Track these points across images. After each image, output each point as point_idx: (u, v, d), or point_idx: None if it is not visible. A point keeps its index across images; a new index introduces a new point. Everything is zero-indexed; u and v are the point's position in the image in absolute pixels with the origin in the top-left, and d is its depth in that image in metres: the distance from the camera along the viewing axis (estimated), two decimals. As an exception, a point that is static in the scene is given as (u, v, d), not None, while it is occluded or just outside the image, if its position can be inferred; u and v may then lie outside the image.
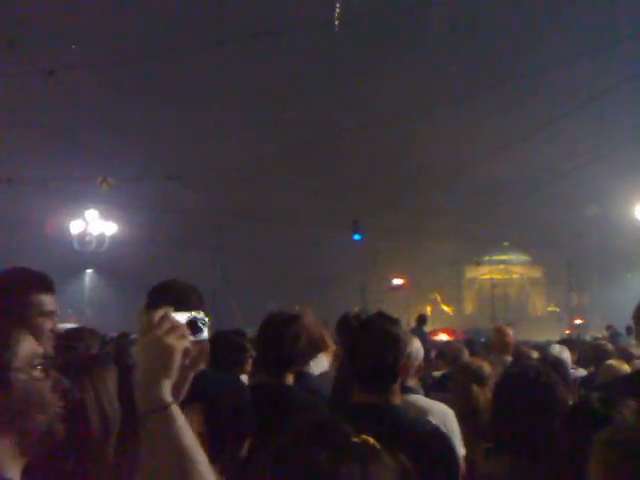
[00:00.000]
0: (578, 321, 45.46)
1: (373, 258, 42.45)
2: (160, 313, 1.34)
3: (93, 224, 28.40)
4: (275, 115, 45.64)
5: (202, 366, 1.52)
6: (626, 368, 4.43)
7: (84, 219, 28.47)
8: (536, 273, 65.35)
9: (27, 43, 24.15)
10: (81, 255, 30.62)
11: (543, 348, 6.11)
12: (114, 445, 1.86)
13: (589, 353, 5.71)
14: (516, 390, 2.39)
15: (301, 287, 43.28)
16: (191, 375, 1.39)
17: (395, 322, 2.47)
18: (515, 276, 64.97)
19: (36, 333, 1.82)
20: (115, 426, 1.88)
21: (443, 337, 22.54)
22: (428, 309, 58.82)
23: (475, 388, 3.33)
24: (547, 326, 46.50)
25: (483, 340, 11.49)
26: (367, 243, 32.72)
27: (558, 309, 57.23)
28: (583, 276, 51.39)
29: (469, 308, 64.55)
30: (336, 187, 47.65)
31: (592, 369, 5.41)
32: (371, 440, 1.18)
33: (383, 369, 2.34)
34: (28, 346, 1.46)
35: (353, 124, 42.97)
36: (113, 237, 29.48)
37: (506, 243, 60.99)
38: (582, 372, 5.19)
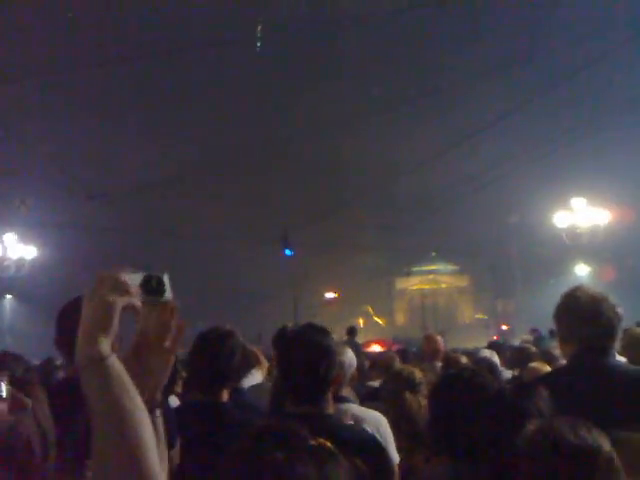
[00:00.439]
0: (504, 327, 46.79)
1: (305, 273, 42.55)
2: (105, 273, 1.35)
3: (12, 248, 27.34)
4: (200, 130, 45.24)
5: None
6: (548, 369, 4.58)
7: (2, 243, 27.37)
8: (463, 282, 66.97)
9: None
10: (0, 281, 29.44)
11: (472, 354, 6.26)
12: (52, 461, 1.83)
13: (514, 356, 5.89)
14: (453, 391, 2.44)
15: (231, 304, 42.87)
16: (172, 359, 1.43)
17: (325, 333, 2.49)
18: (443, 286, 66.37)
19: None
20: (52, 443, 1.85)
21: (376, 348, 22.74)
22: (360, 321, 59.30)
23: (408, 395, 3.37)
24: (475, 333, 47.60)
25: (414, 349, 11.66)
26: (298, 258, 32.77)
27: (485, 316, 58.75)
28: (508, 283, 52.99)
29: (400, 319, 65.47)
30: (264, 202, 47.61)
31: (517, 371, 5.57)
32: (328, 444, 1.20)
33: (315, 380, 2.35)
34: None
35: (279, 140, 43.03)
36: (33, 261, 28.44)
37: (434, 254, 62.32)
38: (507, 374, 5.34)
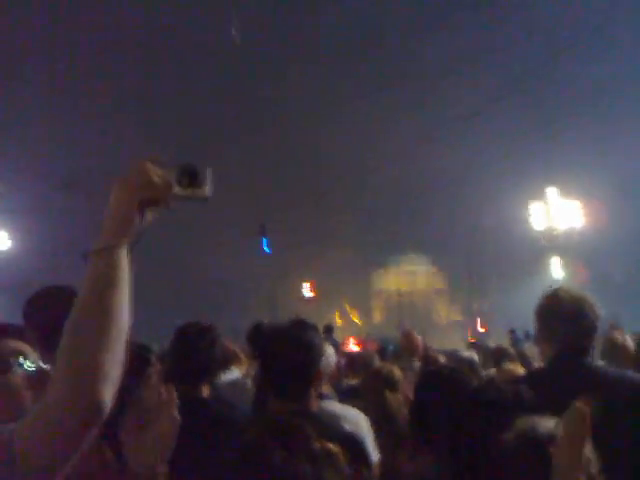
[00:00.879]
0: (480, 328, 47.09)
1: (284, 269, 42.51)
2: (138, 164, 1.31)
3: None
4: (178, 119, 44.88)
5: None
6: (521, 371, 4.62)
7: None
8: (439, 282, 67.27)
9: None
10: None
11: (450, 354, 6.29)
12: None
13: (492, 355, 5.93)
14: (434, 388, 2.44)
15: (207, 298, 42.70)
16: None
17: (310, 328, 2.47)
18: (420, 286, 66.62)
19: None
20: None
21: (353, 347, 22.79)
22: (337, 319, 59.39)
23: (388, 393, 3.37)
24: (452, 333, 47.94)
25: (392, 348, 11.70)
26: (275, 253, 32.74)
27: (462, 317, 59.14)
28: (484, 283, 53.39)
29: (377, 317, 65.64)
30: (242, 193, 47.43)
31: (494, 371, 5.60)
32: (331, 446, 1.19)
33: (300, 377, 2.33)
34: None
35: (256, 131, 42.92)
36: (8, 251, 28.06)
37: (412, 255, 62.57)
38: (483, 373, 5.38)
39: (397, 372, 3.54)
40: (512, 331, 15.85)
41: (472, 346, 7.19)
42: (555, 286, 2.96)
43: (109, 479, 1.85)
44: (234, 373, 4.02)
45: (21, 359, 1.57)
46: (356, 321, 62.42)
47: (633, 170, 36.54)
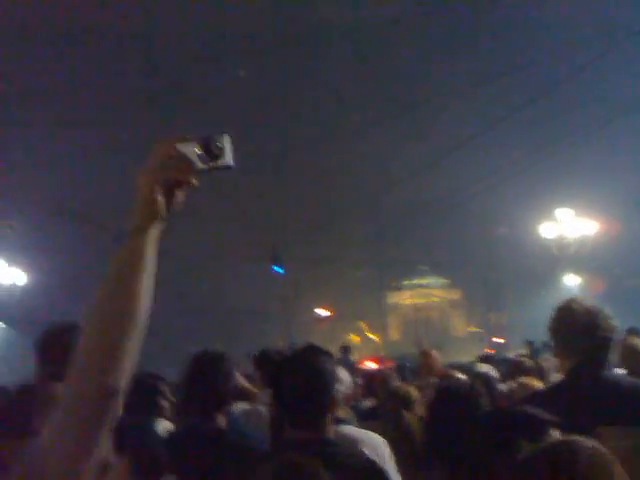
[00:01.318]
0: (498, 340, 46.75)
1: (296, 290, 42.36)
2: (159, 146, 1.32)
3: (2, 273, 27.12)
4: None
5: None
6: (538, 384, 4.56)
7: (-7, 269, 27.15)
8: (455, 295, 66.87)
9: None
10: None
11: (468, 369, 6.23)
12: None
13: (510, 370, 5.87)
14: (445, 404, 2.42)
15: (222, 324, 42.63)
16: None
17: (324, 354, 2.45)
18: (436, 299, 66.23)
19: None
20: None
21: (371, 365, 22.62)
22: (354, 338, 59.12)
23: (406, 414, 3.34)
24: (469, 347, 47.56)
25: (408, 365, 11.62)
26: (289, 275, 32.70)
27: (479, 329, 58.72)
28: (500, 295, 53.07)
29: (394, 334, 65.26)
30: (254, 218, 47.57)
31: (511, 385, 5.54)
32: None
33: (315, 404, 2.31)
34: None
35: (268, 156, 43.15)
36: (25, 286, 28.21)
37: (425, 267, 62.32)
38: (502, 387, 5.32)
39: (414, 392, 3.52)
40: (530, 342, 15.70)
41: (484, 359, 7.10)
42: (569, 297, 2.94)
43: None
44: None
45: None
46: (373, 339, 62.10)
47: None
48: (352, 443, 2.89)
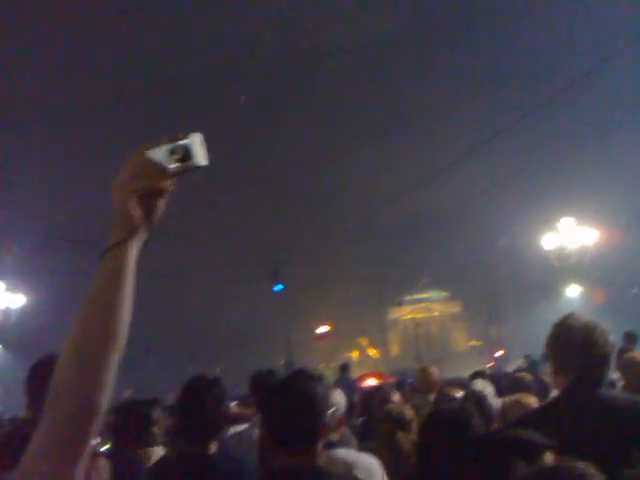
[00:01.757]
0: (499, 353, 46.60)
1: (296, 308, 42.20)
2: (132, 155, 1.28)
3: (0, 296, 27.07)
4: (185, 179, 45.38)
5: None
6: (533, 401, 4.50)
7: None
8: (456, 308, 66.85)
9: None
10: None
11: (465, 385, 6.16)
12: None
13: (510, 386, 5.80)
14: (438, 430, 2.37)
15: (222, 343, 42.47)
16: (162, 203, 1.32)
17: (316, 379, 2.39)
18: (436, 313, 66.21)
19: None
20: None
21: (372, 382, 22.48)
22: (355, 354, 59.00)
23: (400, 435, 3.28)
24: (470, 360, 47.42)
25: (410, 380, 11.56)
26: (289, 293, 32.61)
27: (479, 342, 58.58)
28: (501, 308, 53.00)
29: (395, 349, 65.11)
30: (254, 238, 47.62)
31: (505, 401, 5.46)
32: None
33: (302, 431, 2.26)
34: None
35: (264, 176, 43.29)
36: (22, 309, 28.11)
37: (425, 281, 62.32)
38: (497, 403, 5.25)
39: (409, 412, 3.45)
40: (527, 356, 15.68)
41: (477, 375, 7.03)
42: (570, 311, 2.89)
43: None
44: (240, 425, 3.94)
45: None
46: (373, 355, 61.94)
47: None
48: (346, 467, 2.84)
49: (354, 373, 22.56)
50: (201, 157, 1.31)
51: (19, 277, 27.35)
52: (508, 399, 4.54)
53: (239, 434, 3.72)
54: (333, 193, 49.56)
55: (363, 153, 43.45)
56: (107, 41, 40.18)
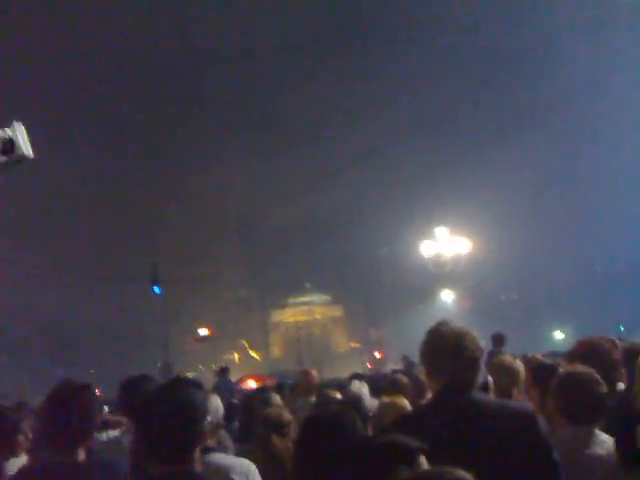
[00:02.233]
0: (378, 355, 47.88)
1: (177, 311, 41.21)
2: None
3: None
4: (65, 166, 43.39)
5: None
6: (405, 403, 4.63)
7: None
8: (337, 312, 67.91)
9: None
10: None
11: (343, 387, 6.27)
12: None
13: (387, 388, 5.94)
14: (317, 433, 2.38)
15: (98, 345, 40.85)
16: None
17: (194, 386, 2.35)
18: (318, 316, 66.96)
19: None
20: None
21: (251, 384, 22.43)
22: (236, 356, 58.57)
23: (275, 439, 3.27)
24: (350, 361, 48.35)
25: (290, 382, 11.62)
26: (169, 296, 31.87)
27: (359, 345, 59.91)
28: (380, 311, 54.48)
29: (276, 352, 65.23)
30: (132, 239, 46.19)
31: (378, 404, 5.60)
32: None
33: (180, 439, 2.21)
34: None
35: (145, 174, 42.21)
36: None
37: (308, 285, 62.92)
38: (374, 404, 5.38)
39: (287, 416, 3.45)
40: (404, 357, 16.18)
41: (358, 377, 7.19)
42: (443, 315, 2.98)
43: None
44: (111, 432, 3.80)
45: None
46: (255, 356, 61.78)
47: (511, 204, 38.89)
48: (223, 472, 2.81)
49: (235, 375, 22.41)
50: (25, 148, 1.20)
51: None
52: (383, 401, 4.65)
53: (110, 442, 3.59)
54: (216, 195, 49.04)
55: (249, 157, 43.32)
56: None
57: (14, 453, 3.66)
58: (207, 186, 47.03)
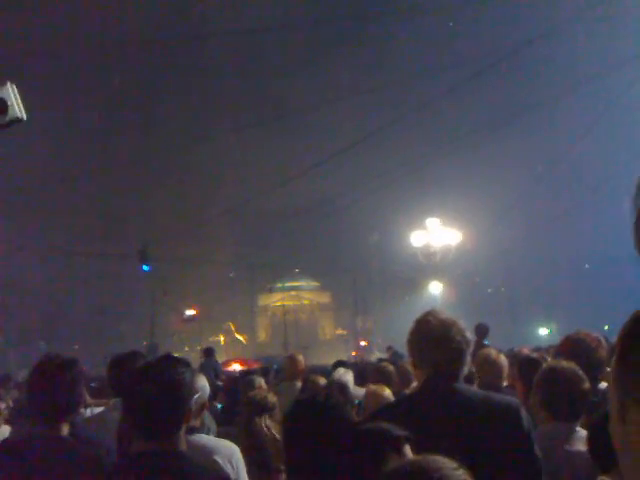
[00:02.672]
0: (363, 343, 48.11)
1: (163, 289, 41.13)
2: None
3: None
4: (50, 140, 43.03)
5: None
6: (388, 393, 4.66)
7: None
8: (325, 298, 68.16)
9: None
10: None
11: (328, 373, 6.30)
12: None
13: (374, 376, 5.98)
14: (306, 416, 2.38)
15: (85, 321, 40.73)
16: None
17: (182, 364, 2.35)
18: (306, 302, 67.22)
19: None
20: None
21: (236, 367, 22.47)
22: (222, 338, 58.67)
23: (258, 421, 3.28)
24: (336, 349, 48.59)
25: (276, 367, 11.66)
26: (156, 274, 31.75)
27: (345, 332, 60.14)
28: (368, 300, 54.69)
29: (262, 335, 65.43)
30: (122, 216, 45.99)
31: (362, 392, 5.64)
32: None
33: (165, 417, 2.21)
34: None
35: (139, 152, 41.96)
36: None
37: (297, 270, 63.03)
38: (358, 391, 5.40)
39: (272, 398, 3.45)
40: (390, 347, 16.24)
41: (342, 364, 7.23)
42: (431, 306, 2.99)
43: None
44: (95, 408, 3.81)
45: None
46: (241, 340, 61.89)
47: (504, 198, 38.94)
48: (206, 453, 2.82)
49: (220, 357, 22.43)
50: (18, 110, 1.14)
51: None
52: (369, 389, 4.67)
53: (95, 417, 3.59)
54: (208, 175, 48.86)
55: (242, 139, 43.11)
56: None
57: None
58: (200, 164, 46.91)
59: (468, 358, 2.70)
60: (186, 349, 47.41)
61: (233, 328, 61.73)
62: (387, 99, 32.73)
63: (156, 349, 26.47)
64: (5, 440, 3.02)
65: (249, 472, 2.95)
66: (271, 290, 62.12)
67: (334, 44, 45.23)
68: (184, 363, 2.39)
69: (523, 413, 2.57)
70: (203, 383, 3.10)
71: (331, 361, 9.75)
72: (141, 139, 43.95)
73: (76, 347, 31.64)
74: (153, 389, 2.19)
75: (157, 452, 2.20)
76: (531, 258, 48.32)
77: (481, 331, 9.12)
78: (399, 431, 1.98)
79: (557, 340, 4.46)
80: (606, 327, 30.00)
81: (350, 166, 38.01)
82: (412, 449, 1.90)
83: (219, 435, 3.55)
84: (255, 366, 18.30)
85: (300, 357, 6.87)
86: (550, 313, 48.55)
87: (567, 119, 36.43)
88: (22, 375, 10.48)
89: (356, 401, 4.96)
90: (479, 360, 4.57)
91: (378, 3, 43.46)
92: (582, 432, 2.98)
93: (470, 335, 2.75)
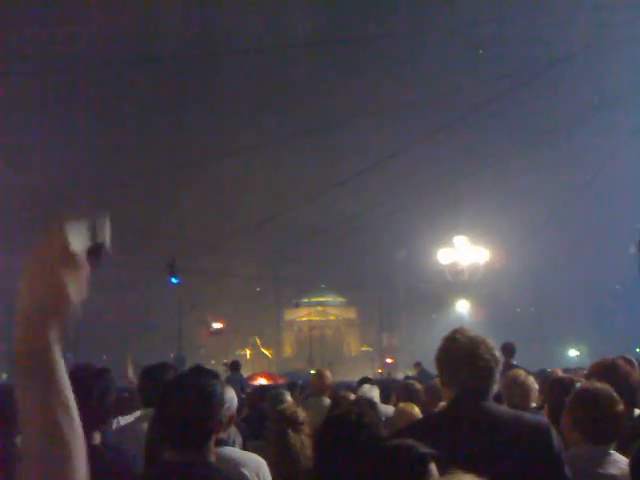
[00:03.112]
0: (389, 360, 47.78)
1: (191, 302, 41.44)
2: (53, 233, 1.05)
3: None
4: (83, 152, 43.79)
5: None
6: (417, 411, 4.62)
7: None
8: (351, 314, 67.90)
9: None
10: None
11: (355, 389, 6.29)
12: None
13: (400, 393, 5.95)
14: (339, 432, 2.38)
15: (112, 333, 41.11)
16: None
17: (213, 376, 2.38)
18: (331, 317, 67.04)
19: None
20: None
21: (262, 381, 22.49)
22: (248, 352, 58.76)
23: (291, 434, 3.29)
24: (360, 365, 48.32)
25: (301, 382, 11.64)
26: (185, 287, 31.98)
27: (371, 349, 59.81)
28: (393, 317, 54.42)
29: (288, 350, 65.37)
30: (152, 230, 46.48)
31: (391, 410, 5.60)
32: None
33: (196, 427, 2.24)
34: None
35: (166, 167, 42.50)
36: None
37: (323, 285, 63.01)
38: (386, 409, 5.37)
39: (301, 413, 3.46)
40: (418, 364, 15.90)
41: (368, 381, 7.19)
42: (458, 325, 2.98)
43: None
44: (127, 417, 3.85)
45: None
46: (267, 354, 61.91)
47: (533, 217, 38.58)
48: (234, 465, 2.83)
49: (245, 371, 22.48)
50: (108, 241, 1.15)
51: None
52: (398, 407, 4.64)
53: (124, 427, 3.62)
54: (237, 192, 49.23)
55: (269, 154, 43.42)
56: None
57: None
58: (229, 179, 47.26)
59: (497, 376, 2.68)
60: (212, 362, 47.59)
61: (259, 342, 61.79)
62: (417, 115, 32.75)
63: (183, 361, 26.62)
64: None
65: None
66: (297, 305, 62.15)
67: (364, 60, 45.37)
68: (214, 374, 2.42)
69: (554, 433, 2.54)
70: (231, 395, 3.11)
71: (356, 378, 9.70)
72: (170, 153, 44.45)
73: (104, 357, 32.02)
74: (186, 399, 2.22)
75: (187, 462, 2.23)
76: (561, 277, 47.70)
77: (508, 351, 8.95)
78: (425, 449, 1.97)
79: (586, 361, 4.40)
80: (638, 349, 29.46)
81: (378, 182, 38.00)
82: (438, 467, 1.89)
83: (246, 449, 3.56)
84: (280, 381, 18.31)
85: (328, 373, 6.86)
86: (580, 334, 47.82)
87: (600, 136, 36.09)
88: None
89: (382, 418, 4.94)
90: (507, 381, 4.51)
91: (408, 21, 43.56)
92: (616, 456, 2.92)
93: (499, 354, 2.73)
